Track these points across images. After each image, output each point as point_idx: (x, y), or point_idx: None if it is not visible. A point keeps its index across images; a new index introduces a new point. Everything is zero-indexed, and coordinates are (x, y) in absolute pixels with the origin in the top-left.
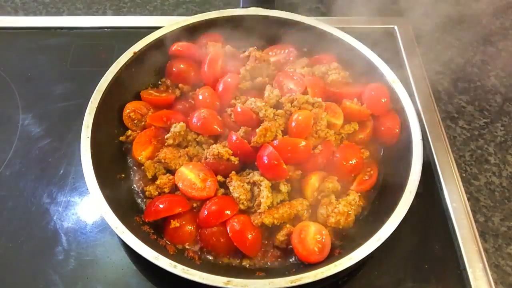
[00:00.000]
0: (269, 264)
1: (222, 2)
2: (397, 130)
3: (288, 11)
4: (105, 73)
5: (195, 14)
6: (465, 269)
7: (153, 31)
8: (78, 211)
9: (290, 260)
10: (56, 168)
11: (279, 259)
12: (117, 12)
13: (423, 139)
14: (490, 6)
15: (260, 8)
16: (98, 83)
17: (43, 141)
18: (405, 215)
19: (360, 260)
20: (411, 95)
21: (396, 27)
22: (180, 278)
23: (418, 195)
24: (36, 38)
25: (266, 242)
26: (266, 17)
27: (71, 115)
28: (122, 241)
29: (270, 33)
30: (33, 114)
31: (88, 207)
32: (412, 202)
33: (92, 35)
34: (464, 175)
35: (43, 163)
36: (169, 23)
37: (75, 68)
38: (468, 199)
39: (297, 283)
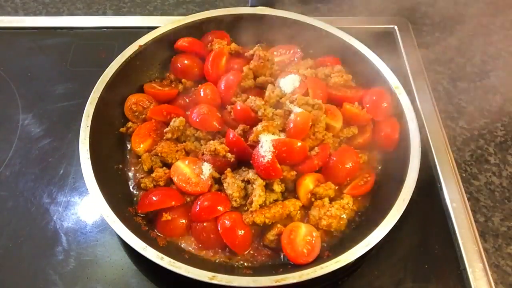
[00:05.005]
0: (258, 262)
1: (222, 2)
2: (397, 137)
3: (293, 11)
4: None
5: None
6: (465, 269)
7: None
8: (78, 211)
9: (280, 260)
10: (56, 168)
11: (268, 259)
12: (117, 12)
13: (422, 140)
14: (490, 6)
15: (268, 8)
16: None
17: (43, 141)
18: (405, 215)
19: (348, 264)
20: (411, 96)
21: (396, 27)
22: (180, 278)
23: (418, 195)
24: (36, 38)
25: (258, 240)
26: (273, 17)
27: (71, 115)
28: (122, 240)
29: (277, 33)
30: (33, 114)
31: (88, 207)
32: (412, 202)
33: (92, 35)
34: (464, 175)
35: (43, 163)
36: (176, 19)
37: (75, 68)
38: (468, 199)
39: (282, 282)
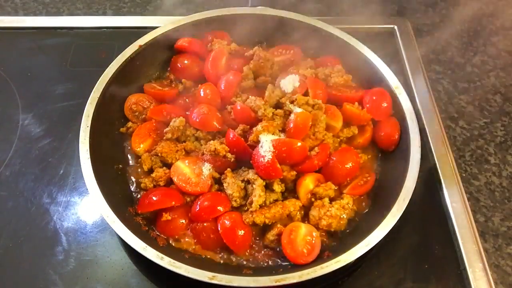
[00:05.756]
0: (258, 262)
1: (222, 2)
2: (397, 137)
3: (292, 11)
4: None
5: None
6: (465, 269)
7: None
8: (78, 211)
9: (280, 260)
10: (56, 168)
11: (269, 259)
12: (117, 12)
13: (422, 140)
14: (490, 6)
15: (268, 8)
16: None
17: (43, 141)
18: (405, 215)
19: (348, 264)
20: (411, 96)
21: (396, 27)
22: (180, 278)
23: (418, 195)
24: (36, 38)
25: (258, 240)
26: (273, 17)
27: (71, 115)
28: (122, 240)
29: (277, 33)
30: (33, 114)
31: (88, 207)
32: (412, 202)
33: (92, 35)
34: (464, 175)
35: (43, 163)
36: (176, 19)
37: (75, 68)
38: (468, 199)
39: (282, 282)
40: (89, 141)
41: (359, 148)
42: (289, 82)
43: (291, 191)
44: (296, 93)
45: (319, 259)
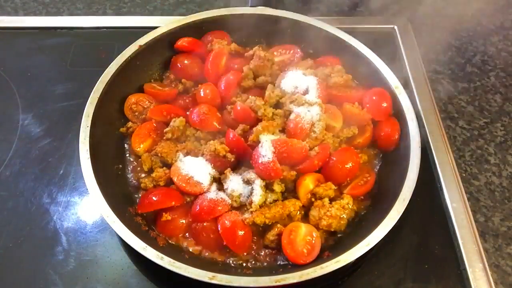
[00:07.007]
0: (258, 262)
1: (222, 2)
2: (397, 137)
3: (293, 11)
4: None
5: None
6: (465, 269)
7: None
8: (78, 211)
9: (280, 260)
10: (56, 168)
11: (269, 259)
12: (117, 12)
13: (423, 140)
14: (490, 6)
15: (268, 8)
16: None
17: (43, 141)
18: (405, 215)
19: (348, 264)
20: (411, 96)
21: (396, 27)
22: (180, 278)
23: (418, 195)
24: (36, 38)
25: (259, 241)
26: (273, 17)
27: (71, 115)
28: (122, 240)
29: (277, 33)
30: (33, 114)
31: (88, 207)
32: (412, 202)
33: (92, 35)
34: (464, 175)
35: (43, 163)
36: (176, 19)
37: (75, 68)
38: (468, 199)
39: (282, 282)
40: (89, 141)
41: (359, 148)
42: (289, 82)
43: (291, 191)
44: (296, 93)
45: (319, 259)
